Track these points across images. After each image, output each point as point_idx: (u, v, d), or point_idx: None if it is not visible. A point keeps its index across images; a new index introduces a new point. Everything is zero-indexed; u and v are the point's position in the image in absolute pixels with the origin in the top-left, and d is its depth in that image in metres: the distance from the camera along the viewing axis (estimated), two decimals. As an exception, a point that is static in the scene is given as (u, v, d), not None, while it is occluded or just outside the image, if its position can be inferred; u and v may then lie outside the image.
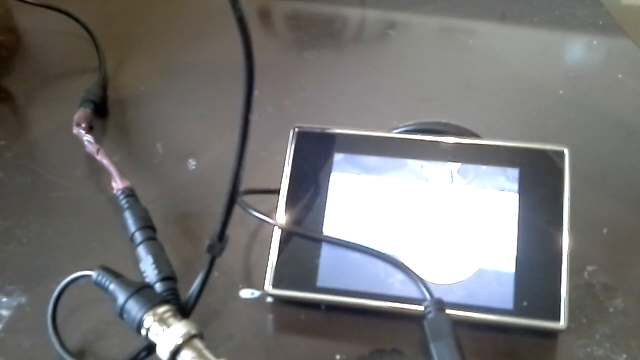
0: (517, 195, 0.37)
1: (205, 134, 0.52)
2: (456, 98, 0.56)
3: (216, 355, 0.32)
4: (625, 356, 0.35)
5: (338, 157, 0.40)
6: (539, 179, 0.37)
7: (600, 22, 0.67)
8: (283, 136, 0.41)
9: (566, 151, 0.38)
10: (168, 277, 0.37)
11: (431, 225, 0.38)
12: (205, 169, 0.48)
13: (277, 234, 0.38)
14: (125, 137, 0.51)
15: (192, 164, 0.49)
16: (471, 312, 0.35)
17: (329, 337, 0.37)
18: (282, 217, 0.39)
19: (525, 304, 0.35)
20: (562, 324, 0.35)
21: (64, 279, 0.39)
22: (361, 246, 0.37)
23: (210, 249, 0.34)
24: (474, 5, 0.71)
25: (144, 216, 0.41)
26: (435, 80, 0.58)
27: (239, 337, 0.36)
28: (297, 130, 0.41)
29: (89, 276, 0.36)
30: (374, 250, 0.37)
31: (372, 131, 0.40)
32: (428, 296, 0.34)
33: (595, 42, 0.65)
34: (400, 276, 0.36)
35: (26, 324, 0.37)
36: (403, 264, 0.36)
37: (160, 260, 0.38)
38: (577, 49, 0.65)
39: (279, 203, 0.39)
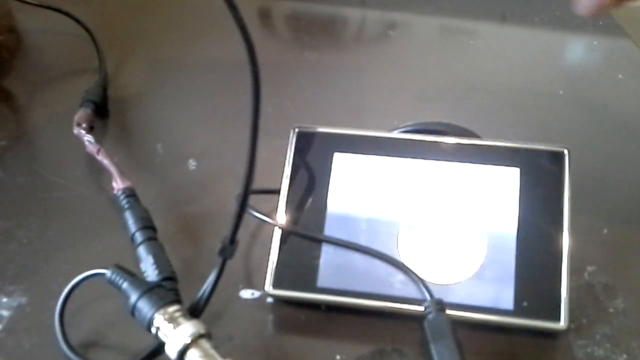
0: (517, 195, 0.37)
1: (205, 134, 0.52)
2: (456, 98, 0.56)
3: (222, 355, 0.32)
4: (625, 356, 0.35)
5: (338, 157, 0.40)
6: (539, 179, 0.37)
7: (600, 22, 0.67)
8: (283, 136, 0.41)
9: (566, 151, 0.38)
10: (168, 277, 0.37)
11: (431, 225, 0.38)
12: (205, 169, 0.48)
13: (277, 234, 0.38)
14: (126, 137, 0.51)
15: (192, 164, 0.49)
16: (471, 312, 0.35)
17: (329, 337, 0.37)
18: (282, 217, 0.39)
19: (525, 304, 0.35)
20: (562, 324, 0.35)
21: (64, 279, 0.39)
22: (361, 246, 0.37)
23: (222, 251, 0.35)
24: (474, 5, 0.71)
25: (144, 216, 0.41)
26: (435, 80, 0.58)
27: (239, 337, 0.36)
28: (297, 130, 0.41)
29: (102, 274, 0.36)
30: (374, 251, 0.37)
31: (372, 131, 0.40)
32: (428, 296, 0.35)
33: (595, 42, 0.65)
34: (400, 276, 0.36)
35: (26, 324, 0.37)
36: (403, 264, 0.36)
37: (161, 260, 0.38)
38: (577, 49, 0.65)
39: (279, 203, 0.39)
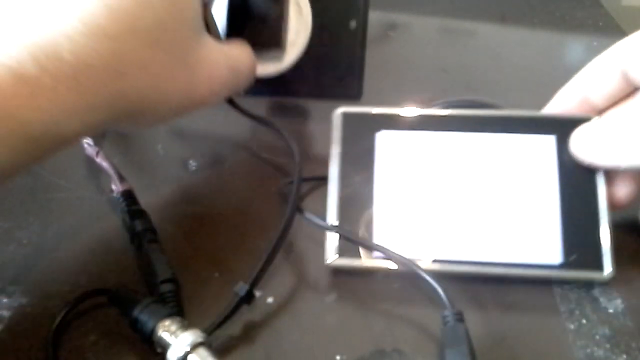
0: (555, 160, 0.40)
1: (205, 134, 0.52)
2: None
3: (221, 357, 0.33)
4: (625, 356, 0.35)
5: (381, 135, 0.41)
6: None
7: (600, 23, 0.67)
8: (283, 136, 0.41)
9: (596, 118, 0.40)
10: (168, 279, 0.37)
11: (477, 192, 0.40)
12: (206, 170, 0.48)
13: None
14: (125, 138, 0.51)
15: (192, 164, 0.49)
16: (522, 269, 0.38)
17: (329, 337, 0.37)
18: (333, 211, 0.40)
19: (572, 257, 0.38)
20: (606, 273, 0.37)
21: (65, 279, 0.39)
22: (405, 260, 0.37)
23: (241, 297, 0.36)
24: (474, 5, 0.71)
25: (143, 218, 0.41)
26: (435, 80, 0.58)
27: (238, 337, 0.36)
28: (340, 112, 0.42)
29: (104, 294, 0.37)
30: (414, 265, 0.37)
31: (412, 109, 0.42)
32: (448, 305, 0.35)
33: (595, 43, 0.65)
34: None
35: (26, 325, 0.37)
36: (429, 280, 0.36)
37: (160, 262, 0.38)
38: (577, 50, 0.65)
39: (329, 187, 0.41)
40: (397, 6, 0.69)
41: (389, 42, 0.64)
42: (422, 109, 0.42)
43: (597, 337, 0.36)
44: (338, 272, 0.40)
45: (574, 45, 0.66)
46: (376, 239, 0.39)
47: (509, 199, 0.39)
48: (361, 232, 0.39)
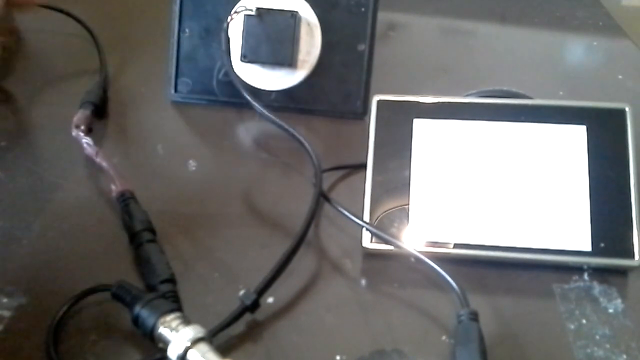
0: (585, 150, 0.41)
1: (205, 134, 0.52)
2: (456, 98, 0.56)
3: (221, 356, 0.32)
4: (625, 356, 0.35)
5: (417, 123, 0.43)
6: (604, 133, 0.41)
7: (600, 23, 0.67)
8: (284, 137, 0.41)
9: (627, 108, 0.41)
10: (167, 279, 0.37)
11: (510, 180, 0.41)
12: (205, 170, 0.48)
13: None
14: (125, 138, 0.52)
15: (192, 164, 0.49)
16: (554, 255, 0.39)
17: (329, 337, 0.37)
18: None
19: (602, 245, 0.39)
20: (637, 258, 0.38)
21: (64, 279, 0.39)
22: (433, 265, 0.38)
23: (247, 305, 0.36)
24: (474, 5, 0.71)
25: (143, 218, 0.41)
26: (435, 80, 0.58)
27: (238, 337, 0.36)
28: (377, 99, 0.44)
29: (105, 290, 0.37)
30: (434, 263, 0.37)
31: (447, 97, 0.43)
32: (465, 305, 0.35)
33: (595, 43, 0.65)
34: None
35: (26, 325, 0.37)
36: (451, 282, 0.36)
37: (160, 262, 0.38)
38: (577, 50, 0.65)
39: (367, 172, 0.42)
40: (397, 6, 0.69)
41: (389, 42, 0.64)
42: (457, 98, 0.44)
43: (597, 337, 0.36)
44: (337, 273, 0.40)
45: (574, 45, 0.66)
46: (412, 224, 0.40)
47: (541, 187, 0.40)
48: (397, 217, 0.41)
